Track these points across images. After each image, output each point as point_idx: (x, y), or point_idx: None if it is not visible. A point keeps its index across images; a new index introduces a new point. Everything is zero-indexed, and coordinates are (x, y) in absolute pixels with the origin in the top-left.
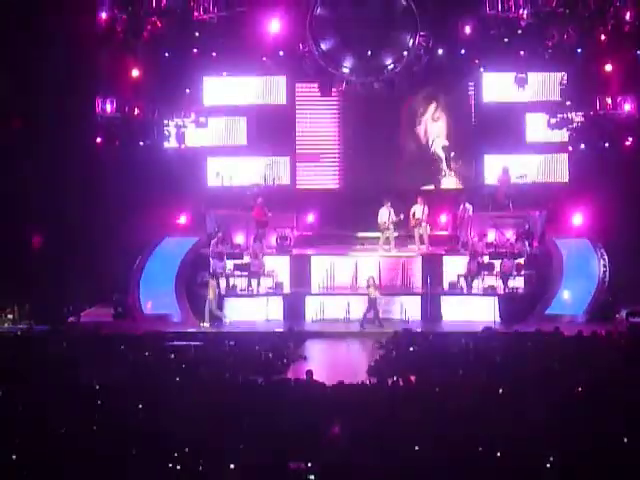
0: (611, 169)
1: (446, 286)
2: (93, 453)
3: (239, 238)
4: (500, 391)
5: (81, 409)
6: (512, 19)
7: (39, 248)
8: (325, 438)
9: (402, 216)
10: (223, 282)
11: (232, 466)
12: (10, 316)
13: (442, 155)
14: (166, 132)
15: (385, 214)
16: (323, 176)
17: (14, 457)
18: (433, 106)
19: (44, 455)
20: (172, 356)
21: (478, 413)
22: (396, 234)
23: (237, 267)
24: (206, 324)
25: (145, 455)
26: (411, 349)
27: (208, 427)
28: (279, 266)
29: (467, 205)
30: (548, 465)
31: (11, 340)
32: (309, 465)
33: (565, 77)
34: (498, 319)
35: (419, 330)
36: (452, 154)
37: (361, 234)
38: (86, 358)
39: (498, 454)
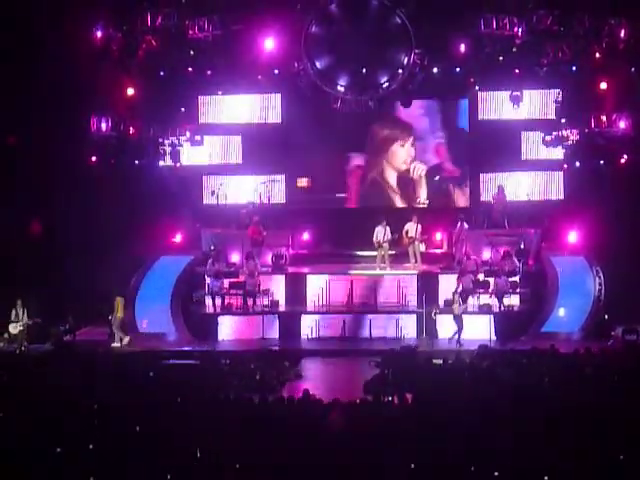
0: (606, 186)
1: (442, 304)
2: (92, 472)
3: (234, 256)
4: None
5: (80, 428)
6: (507, 37)
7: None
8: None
9: (396, 235)
10: (218, 300)
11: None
12: (6, 335)
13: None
14: (161, 151)
15: (380, 232)
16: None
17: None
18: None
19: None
20: (168, 375)
21: (475, 430)
22: (391, 252)
23: (232, 285)
24: (116, 344)
25: (143, 473)
26: (407, 367)
27: (205, 445)
28: (275, 284)
29: (465, 224)
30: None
31: (7, 359)
32: None
33: (560, 95)
34: (494, 337)
35: (415, 348)
36: (436, 178)
37: (357, 252)
38: (83, 377)
39: (496, 473)
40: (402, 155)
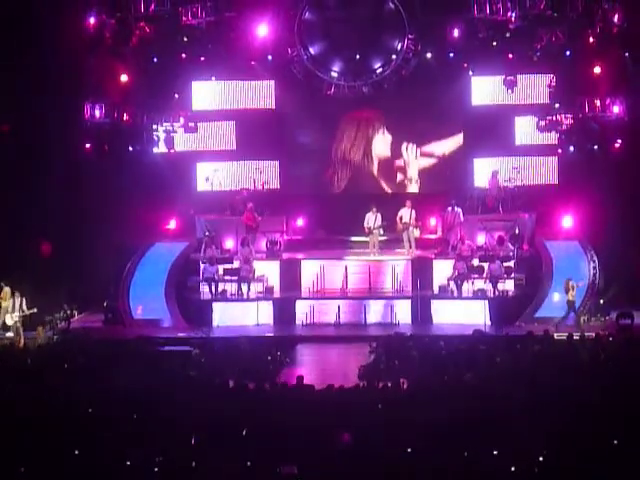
0: (600, 171)
1: (436, 289)
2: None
3: (229, 243)
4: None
5: (77, 416)
6: (500, 22)
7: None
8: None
9: (384, 223)
10: (213, 287)
11: (223, 469)
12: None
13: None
14: (155, 137)
15: (371, 219)
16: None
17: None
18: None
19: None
20: (163, 361)
21: (470, 415)
22: (382, 238)
23: (227, 272)
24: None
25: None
26: (402, 353)
27: (201, 431)
28: (269, 271)
29: (457, 209)
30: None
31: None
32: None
33: (554, 80)
34: (488, 322)
35: (409, 334)
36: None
37: (351, 238)
38: (79, 364)
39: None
40: (381, 142)
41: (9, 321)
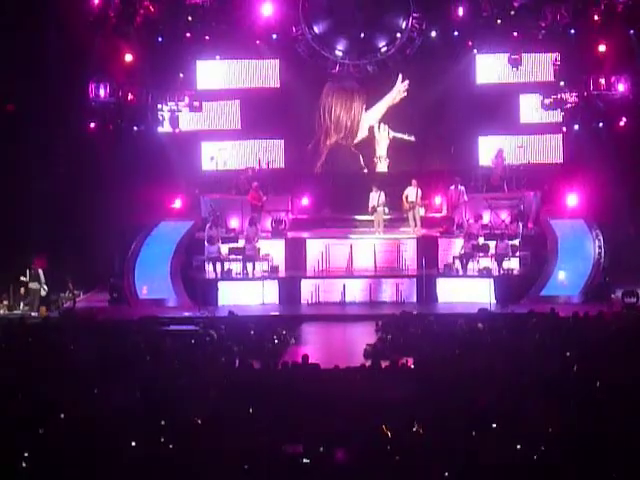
0: (605, 149)
1: (441, 268)
2: (92, 438)
3: (234, 222)
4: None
5: (80, 395)
6: (505, 0)
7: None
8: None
9: (387, 209)
10: (219, 266)
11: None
12: (5, 302)
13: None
14: (160, 116)
15: (374, 198)
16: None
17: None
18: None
19: (45, 443)
20: (168, 340)
21: (475, 393)
22: (387, 217)
23: (232, 251)
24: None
25: (145, 438)
26: (408, 331)
27: (205, 410)
28: (274, 250)
29: (460, 187)
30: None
31: (8, 327)
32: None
33: (558, 58)
34: (494, 300)
35: (415, 312)
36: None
37: (356, 217)
38: (84, 344)
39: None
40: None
41: (33, 286)
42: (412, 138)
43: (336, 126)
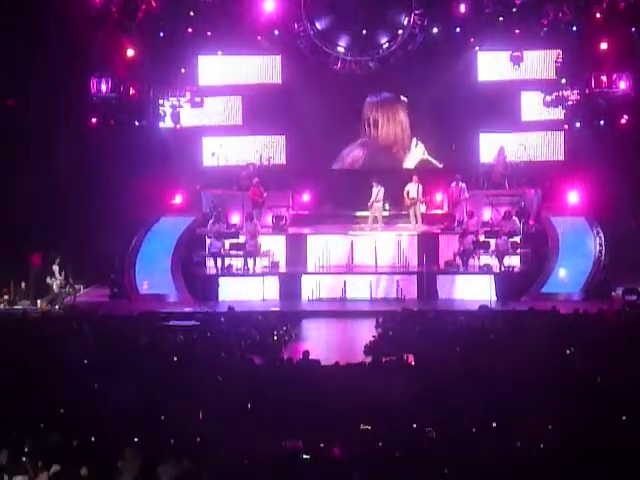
0: (607, 147)
1: (442, 265)
2: (92, 433)
3: (235, 218)
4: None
5: (80, 391)
6: None
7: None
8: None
9: (387, 205)
10: (219, 262)
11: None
12: (6, 296)
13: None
14: (161, 112)
15: (374, 193)
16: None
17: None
18: None
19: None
20: (168, 336)
21: (475, 390)
22: (386, 213)
23: (233, 247)
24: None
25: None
26: (409, 328)
27: (206, 405)
28: (275, 246)
29: (461, 184)
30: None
31: (9, 321)
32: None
33: (560, 55)
34: (494, 297)
35: (416, 309)
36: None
37: (358, 213)
38: (84, 339)
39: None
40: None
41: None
42: (440, 165)
43: (386, 138)
